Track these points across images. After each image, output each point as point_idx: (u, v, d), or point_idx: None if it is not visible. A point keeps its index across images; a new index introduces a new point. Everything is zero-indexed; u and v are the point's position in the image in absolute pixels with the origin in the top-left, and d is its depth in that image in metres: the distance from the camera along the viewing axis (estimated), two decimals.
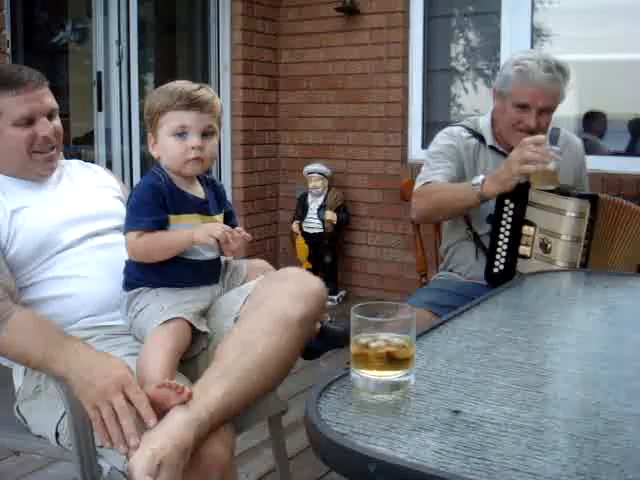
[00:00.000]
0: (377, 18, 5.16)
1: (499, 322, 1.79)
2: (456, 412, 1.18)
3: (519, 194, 2.51)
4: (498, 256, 2.60)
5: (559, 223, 2.45)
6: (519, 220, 2.54)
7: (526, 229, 2.54)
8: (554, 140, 2.46)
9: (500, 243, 2.59)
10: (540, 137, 2.37)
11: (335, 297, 5.15)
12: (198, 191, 1.89)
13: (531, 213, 2.53)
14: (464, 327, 1.66)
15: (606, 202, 2.51)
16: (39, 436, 1.84)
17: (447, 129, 2.82)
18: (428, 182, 2.63)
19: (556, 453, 1.05)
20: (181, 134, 1.81)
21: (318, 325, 1.93)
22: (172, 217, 1.81)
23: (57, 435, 1.76)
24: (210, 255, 1.88)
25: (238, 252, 1.82)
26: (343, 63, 5.33)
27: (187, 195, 1.86)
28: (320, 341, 1.97)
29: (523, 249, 2.54)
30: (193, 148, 1.81)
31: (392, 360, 1.24)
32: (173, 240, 1.80)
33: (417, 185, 2.68)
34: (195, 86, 1.83)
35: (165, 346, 1.71)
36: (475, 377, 1.35)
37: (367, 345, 1.24)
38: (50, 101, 1.98)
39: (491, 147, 2.73)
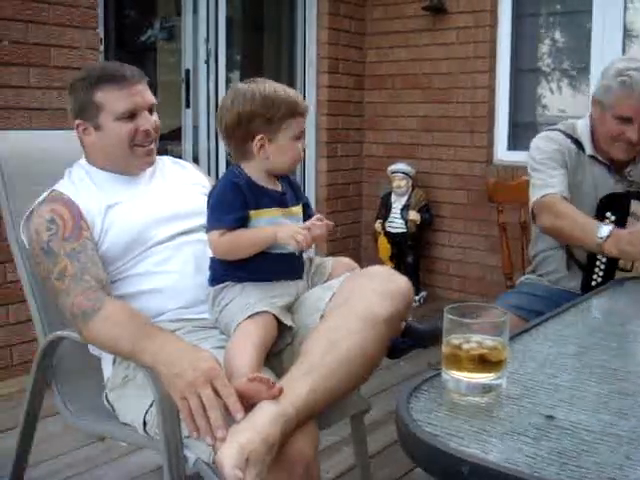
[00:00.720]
0: (464, 17, 5.11)
1: (592, 327, 1.76)
2: (550, 417, 1.17)
3: (621, 206, 2.45)
4: (597, 269, 2.51)
5: None
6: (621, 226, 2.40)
7: None
8: None
9: (599, 256, 2.48)
10: None
11: (417, 297, 5.12)
12: (276, 185, 1.92)
13: (633, 226, 2.40)
14: (556, 331, 1.63)
15: None
16: (126, 424, 1.88)
17: (544, 134, 2.70)
18: (549, 193, 2.50)
19: None
20: (299, 138, 1.89)
21: (403, 324, 1.92)
22: (252, 212, 1.84)
23: (145, 424, 1.80)
24: (293, 248, 1.89)
25: (321, 239, 1.85)
26: (429, 62, 5.29)
27: (266, 189, 1.88)
28: (404, 340, 1.96)
29: (623, 263, 2.45)
30: (304, 148, 1.94)
31: (484, 362, 1.23)
32: (257, 237, 1.83)
33: (536, 194, 2.54)
34: (294, 91, 1.91)
35: (253, 340, 1.73)
36: (568, 382, 1.33)
37: (460, 346, 1.23)
38: (150, 96, 2.04)
39: (591, 156, 2.61)
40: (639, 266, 2.42)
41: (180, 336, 1.80)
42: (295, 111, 1.86)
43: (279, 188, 1.93)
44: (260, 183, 1.88)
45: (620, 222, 2.43)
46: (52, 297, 1.89)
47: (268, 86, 1.86)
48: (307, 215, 1.96)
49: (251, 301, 1.80)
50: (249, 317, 1.76)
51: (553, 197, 2.48)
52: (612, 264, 2.46)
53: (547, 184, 2.51)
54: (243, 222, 1.83)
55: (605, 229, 2.32)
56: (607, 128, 2.52)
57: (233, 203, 1.83)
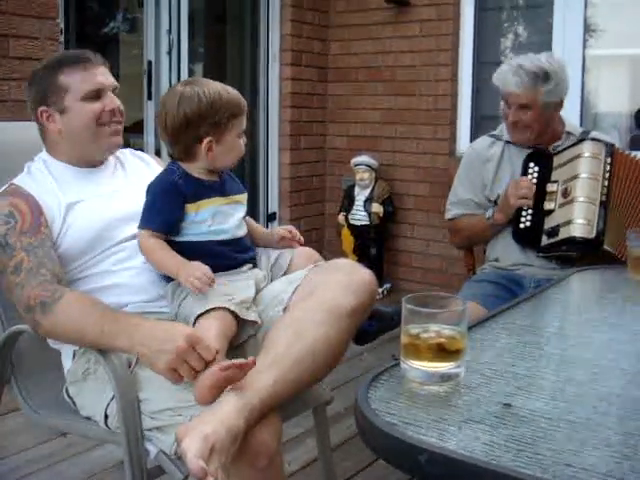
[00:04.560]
0: (427, 10, 5.11)
1: (550, 317, 1.78)
2: (507, 405, 1.18)
3: (542, 156, 2.79)
4: (524, 213, 2.77)
5: (577, 167, 2.68)
6: (543, 180, 2.75)
7: (550, 186, 2.74)
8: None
9: (524, 208, 2.76)
10: (527, 180, 2.73)
11: (380, 289, 5.14)
12: (214, 177, 1.95)
13: (555, 175, 2.75)
14: (514, 321, 1.65)
15: (623, 154, 2.74)
16: (88, 418, 1.87)
17: (473, 143, 3.12)
18: (450, 218, 3.00)
19: (609, 450, 1.04)
20: (241, 134, 1.94)
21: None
22: (191, 206, 1.87)
23: (106, 417, 1.78)
24: (236, 234, 1.94)
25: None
26: (392, 55, 5.30)
27: (203, 181, 1.91)
28: (371, 324, 1.97)
29: (548, 204, 2.73)
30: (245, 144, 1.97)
31: (443, 351, 1.24)
32: (165, 263, 1.86)
33: (446, 212, 3.03)
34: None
35: (212, 332, 1.73)
36: (526, 371, 1.34)
37: (418, 336, 1.24)
38: (112, 79, 2.04)
39: (507, 142, 2.91)
40: (560, 202, 2.69)
41: (146, 316, 1.80)
42: (238, 111, 1.90)
43: (217, 178, 1.95)
44: (197, 175, 1.91)
45: (543, 172, 2.77)
46: (6, 292, 1.86)
47: (212, 88, 1.88)
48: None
49: (207, 296, 1.80)
50: (206, 312, 1.76)
51: (453, 221, 3.01)
52: (536, 210, 2.74)
53: (452, 202, 3.00)
54: (172, 225, 1.87)
55: (488, 212, 2.83)
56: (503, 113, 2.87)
57: (163, 207, 1.87)
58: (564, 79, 2.78)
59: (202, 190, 1.89)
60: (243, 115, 1.92)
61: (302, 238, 2.09)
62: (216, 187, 1.93)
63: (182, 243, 1.88)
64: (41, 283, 1.77)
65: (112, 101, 2.01)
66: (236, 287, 1.86)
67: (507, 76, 2.77)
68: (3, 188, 1.96)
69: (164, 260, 1.86)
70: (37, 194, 1.92)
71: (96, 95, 1.98)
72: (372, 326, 1.98)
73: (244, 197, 2.02)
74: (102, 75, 2.00)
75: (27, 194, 1.92)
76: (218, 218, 1.90)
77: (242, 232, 1.97)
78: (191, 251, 1.87)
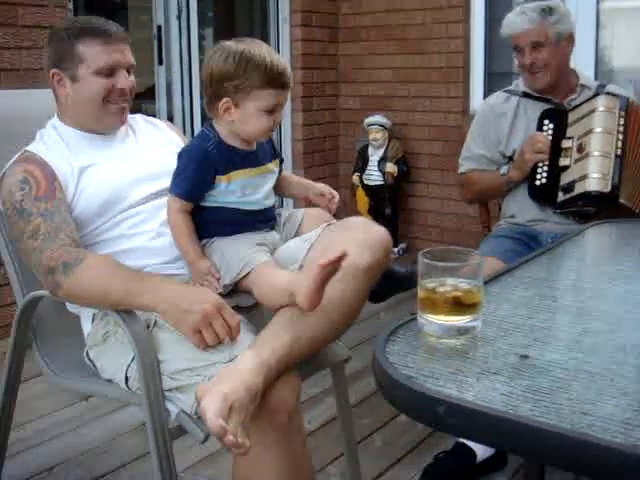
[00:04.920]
0: None
1: (566, 270, 1.78)
2: (524, 357, 1.18)
3: (557, 113, 2.78)
4: (540, 170, 2.76)
5: (591, 121, 2.66)
6: (558, 136, 2.74)
7: (565, 142, 2.73)
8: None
9: (539, 164, 2.77)
10: (542, 136, 2.74)
11: (396, 249, 5.15)
12: (249, 144, 1.92)
13: (570, 131, 2.74)
14: (531, 275, 1.64)
15: (639, 108, 2.73)
16: (109, 380, 1.90)
17: (488, 98, 3.10)
18: (462, 172, 3.02)
19: (627, 398, 1.04)
20: (271, 111, 1.84)
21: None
22: (222, 177, 1.86)
23: (127, 379, 1.81)
24: (264, 205, 1.94)
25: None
26: (403, 13, 5.25)
27: (237, 150, 1.89)
28: (385, 284, 1.97)
29: (563, 161, 2.73)
30: (278, 123, 1.90)
31: (459, 305, 1.24)
32: (182, 247, 1.89)
33: (459, 167, 3.04)
34: (282, 61, 1.84)
35: (272, 267, 1.80)
36: (543, 323, 1.34)
37: (434, 290, 1.24)
38: (130, 57, 2.04)
39: (525, 94, 2.90)
40: (575, 158, 2.69)
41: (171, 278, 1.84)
42: (268, 82, 1.80)
43: (252, 146, 1.92)
44: (231, 143, 1.88)
45: (558, 128, 2.76)
46: (25, 256, 1.87)
47: (250, 50, 1.80)
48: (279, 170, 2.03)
49: (248, 252, 1.82)
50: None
51: (466, 175, 3.01)
52: (551, 167, 2.74)
53: (465, 157, 3.01)
54: (201, 194, 1.87)
55: (503, 168, 2.86)
56: (516, 63, 2.88)
57: (193, 175, 1.86)
58: (568, 12, 2.83)
59: (235, 160, 1.87)
60: (274, 89, 1.81)
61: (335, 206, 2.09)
62: (250, 156, 1.91)
63: (208, 208, 1.89)
64: (62, 246, 1.79)
65: (124, 80, 2.00)
66: (258, 243, 1.88)
67: (512, 19, 2.81)
68: (16, 156, 1.97)
69: (183, 246, 1.88)
70: (50, 160, 1.93)
71: (109, 71, 1.97)
72: (385, 286, 1.98)
73: (276, 164, 2.00)
74: (120, 52, 1.99)
75: (40, 160, 1.93)
76: (248, 189, 1.90)
77: (270, 202, 1.97)
78: (216, 217, 1.88)
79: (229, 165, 1.86)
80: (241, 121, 1.85)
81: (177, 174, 1.89)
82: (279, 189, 2.10)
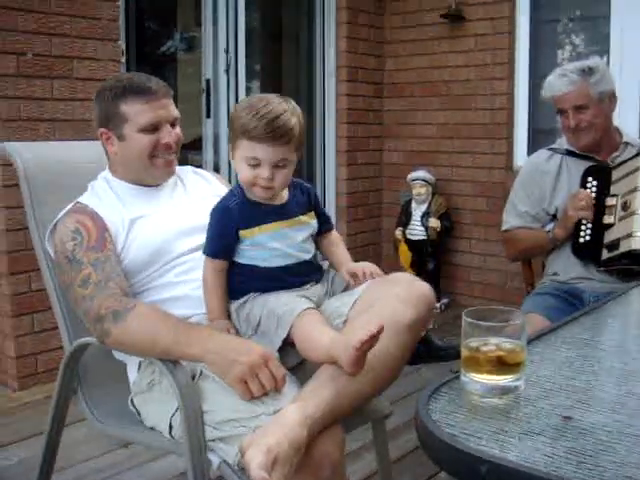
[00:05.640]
0: (482, 24, 5.11)
1: (609, 331, 1.77)
2: (567, 418, 1.18)
3: (600, 170, 2.79)
4: (583, 227, 2.76)
5: (636, 179, 2.66)
6: (602, 193, 2.74)
7: (609, 200, 2.74)
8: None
9: (584, 221, 2.77)
10: (585, 193, 2.74)
11: (438, 304, 5.12)
12: (277, 199, 1.92)
13: (614, 189, 2.74)
14: (574, 334, 1.64)
15: None
16: (152, 428, 1.92)
17: (532, 156, 3.13)
18: (506, 229, 3.01)
19: None
20: (253, 164, 1.82)
21: (422, 332, 1.94)
22: (245, 232, 1.88)
23: (170, 428, 1.83)
24: (299, 258, 1.93)
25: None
26: (448, 70, 5.31)
27: (261, 205, 1.89)
28: (421, 349, 1.97)
29: (607, 218, 2.73)
30: (262, 179, 1.83)
31: (502, 364, 1.25)
32: (207, 305, 1.92)
33: (503, 224, 3.05)
34: (278, 111, 1.79)
35: (319, 320, 1.79)
36: (586, 384, 1.34)
37: (478, 349, 1.25)
38: (174, 110, 2.09)
39: (568, 152, 2.91)
40: (619, 216, 2.69)
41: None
42: (246, 133, 1.79)
43: (282, 200, 1.93)
44: (254, 198, 1.90)
45: (601, 185, 2.77)
46: (74, 304, 1.92)
47: (245, 101, 1.88)
48: (324, 229, 2.05)
49: (291, 303, 1.83)
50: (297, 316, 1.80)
51: (510, 232, 3.00)
52: (595, 224, 2.74)
53: (509, 214, 3.01)
54: (227, 251, 1.89)
55: (548, 226, 2.88)
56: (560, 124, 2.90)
57: (216, 233, 1.90)
58: (608, 70, 2.84)
59: (258, 215, 1.88)
60: (253, 141, 1.79)
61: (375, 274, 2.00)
62: (276, 210, 1.91)
63: (241, 265, 1.91)
64: (112, 295, 1.83)
65: (169, 135, 2.05)
66: (301, 295, 1.88)
67: (554, 82, 2.83)
68: (69, 207, 2.03)
69: (209, 303, 1.92)
70: (101, 211, 1.99)
71: (153, 128, 2.02)
72: (420, 350, 1.99)
73: (311, 216, 1.99)
74: (162, 108, 2.04)
75: (92, 211, 1.99)
76: (276, 243, 1.89)
77: (307, 256, 1.95)
78: (250, 273, 1.90)
79: (252, 221, 1.88)
80: (236, 168, 1.88)
81: (207, 233, 1.94)
82: (325, 253, 2.10)
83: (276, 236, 1.89)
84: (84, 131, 3.60)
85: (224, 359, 1.70)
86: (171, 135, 2.06)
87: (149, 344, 1.78)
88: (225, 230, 1.89)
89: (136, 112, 2.01)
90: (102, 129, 2.07)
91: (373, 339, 1.58)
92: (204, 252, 1.93)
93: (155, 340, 1.77)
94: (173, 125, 2.08)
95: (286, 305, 1.82)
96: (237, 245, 1.89)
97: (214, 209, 1.94)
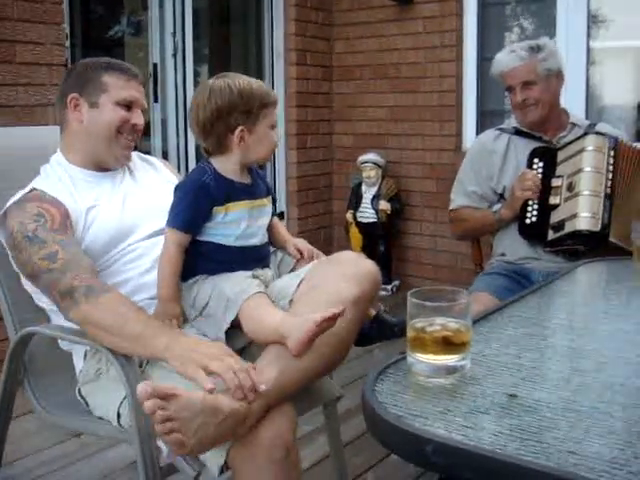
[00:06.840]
0: (431, 7, 5.12)
1: (555, 309, 1.79)
2: (512, 396, 1.19)
3: (547, 151, 2.82)
4: (530, 208, 2.79)
5: (581, 161, 2.70)
6: (548, 175, 2.77)
7: (554, 181, 2.78)
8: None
9: (530, 202, 2.79)
10: (532, 174, 2.77)
11: (389, 287, 5.16)
12: (245, 178, 1.94)
13: (559, 170, 2.78)
14: (520, 314, 1.66)
15: (628, 147, 2.75)
16: (100, 418, 1.89)
17: (479, 136, 3.17)
18: (452, 208, 3.06)
19: (613, 437, 1.05)
20: (274, 126, 1.95)
21: (372, 312, 1.94)
22: (218, 208, 1.87)
23: (119, 416, 1.81)
24: (259, 241, 1.94)
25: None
26: (397, 52, 5.31)
27: (235, 182, 1.90)
28: (373, 329, 1.98)
29: (553, 199, 2.76)
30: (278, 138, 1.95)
31: (448, 344, 1.25)
32: (160, 282, 1.88)
33: (450, 202, 3.07)
34: (251, 79, 1.94)
35: (268, 302, 1.79)
36: (531, 362, 1.35)
37: (423, 329, 1.25)
38: (144, 100, 2.13)
39: (516, 131, 2.94)
40: (564, 197, 2.72)
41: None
42: (269, 101, 1.90)
43: (248, 180, 1.94)
44: (229, 177, 1.90)
45: (547, 167, 2.80)
46: (31, 278, 1.87)
47: (241, 80, 1.89)
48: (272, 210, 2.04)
49: (242, 284, 1.82)
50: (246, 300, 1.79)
51: (457, 212, 3.05)
52: (541, 205, 2.77)
53: (457, 193, 3.04)
54: (198, 225, 1.87)
55: (496, 206, 2.90)
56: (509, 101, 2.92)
57: (190, 206, 1.86)
58: (557, 49, 2.89)
59: (232, 192, 1.89)
60: (274, 106, 1.93)
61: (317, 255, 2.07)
62: (247, 189, 1.92)
63: (204, 244, 1.89)
64: (89, 271, 1.81)
65: (138, 118, 2.09)
66: (251, 278, 1.88)
67: (502, 58, 2.87)
68: (24, 192, 1.98)
69: (165, 277, 1.87)
70: (61, 198, 1.96)
71: (128, 105, 2.06)
72: (372, 330, 1.99)
73: (268, 200, 2.01)
74: (139, 92, 2.10)
75: (53, 198, 1.95)
76: (245, 222, 1.90)
77: (265, 239, 1.98)
78: (211, 253, 1.88)
79: (227, 196, 1.87)
80: (256, 144, 1.89)
81: (174, 207, 1.89)
82: (270, 234, 2.10)
83: (246, 214, 1.90)
84: (27, 117, 3.53)
85: (188, 352, 1.65)
86: (140, 119, 2.09)
87: (114, 329, 1.73)
88: (199, 203, 1.86)
89: (117, 85, 2.04)
90: (73, 94, 2.04)
91: (333, 319, 1.59)
92: (170, 225, 1.88)
93: (124, 325, 1.72)
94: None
95: (237, 286, 1.81)
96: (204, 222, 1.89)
97: (184, 183, 1.93)
